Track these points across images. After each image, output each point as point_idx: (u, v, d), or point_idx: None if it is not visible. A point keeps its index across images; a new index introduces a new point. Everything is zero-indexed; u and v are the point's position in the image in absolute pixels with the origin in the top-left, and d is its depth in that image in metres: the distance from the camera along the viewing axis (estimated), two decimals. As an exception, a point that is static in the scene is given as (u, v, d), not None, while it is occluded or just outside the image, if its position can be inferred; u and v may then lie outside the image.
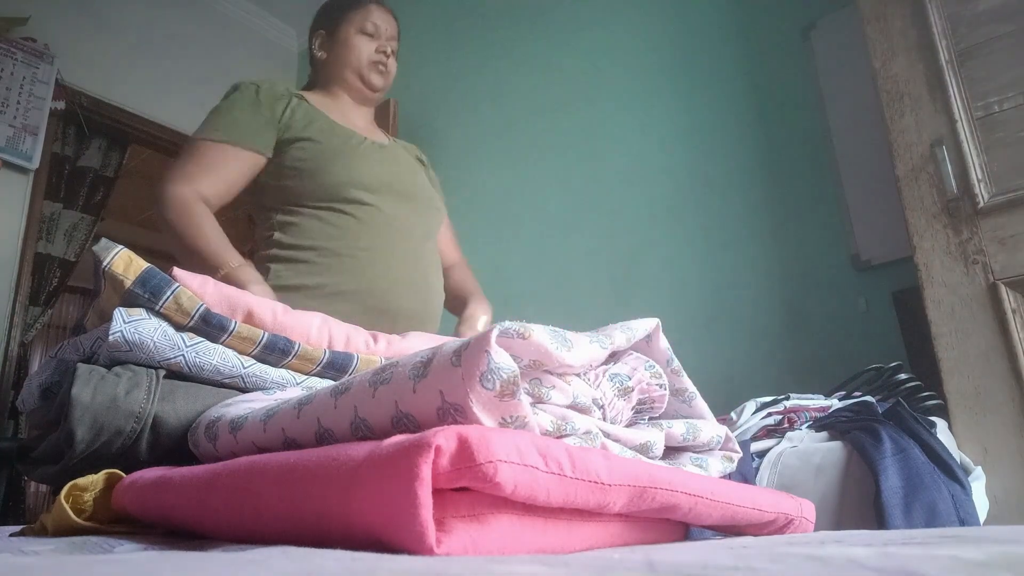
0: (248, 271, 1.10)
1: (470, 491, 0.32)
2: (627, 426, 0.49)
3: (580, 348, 0.41)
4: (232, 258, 1.10)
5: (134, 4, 3.08)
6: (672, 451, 0.53)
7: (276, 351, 0.63)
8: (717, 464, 0.53)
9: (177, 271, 0.62)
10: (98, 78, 2.87)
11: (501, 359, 0.35)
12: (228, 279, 1.03)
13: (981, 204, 1.32)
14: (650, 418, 0.51)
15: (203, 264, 1.08)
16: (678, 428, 0.51)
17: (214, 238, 1.14)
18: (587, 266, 2.37)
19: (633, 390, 0.46)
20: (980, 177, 1.33)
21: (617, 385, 0.46)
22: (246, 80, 1.31)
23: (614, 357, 0.48)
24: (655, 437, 0.48)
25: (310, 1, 3.51)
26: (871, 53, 1.50)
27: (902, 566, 0.21)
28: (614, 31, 2.49)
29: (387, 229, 1.28)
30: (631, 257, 2.28)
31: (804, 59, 2.02)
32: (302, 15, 3.65)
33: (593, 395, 0.45)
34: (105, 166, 3.15)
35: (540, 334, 0.38)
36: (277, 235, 1.25)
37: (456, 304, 1.44)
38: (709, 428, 0.53)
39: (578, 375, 0.44)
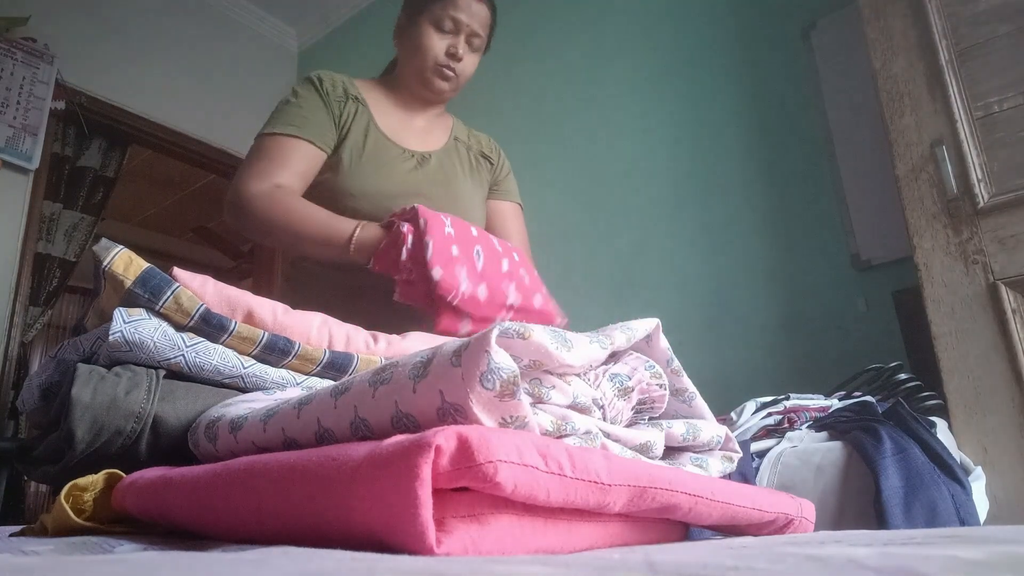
0: (374, 226, 1.04)
1: (470, 491, 0.32)
2: (627, 426, 0.49)
3: (580, 348, 0.41)
4: (348, 225, 1.05)
5: (134, 4, 3.08)
6: (672, 451, 0.53)
7: (276, 351, 0.63)
8: (717, 464, 0.53)
9: (177, 271, 0.62)
10: (98, 78, 2.87)
11: (501, 359, 0.35)
12: (362, 241, 1.01)
13: (981, 204, 1.32)
14: (650, 418, 0.51)
15: (323, 243, 1.05)
16: (678, 428, 0.51)
17: (319, 214, 1.08)
18: (587, 266, 2.37)
19: (633, 390, 0.46)
20: (980, 177, 1.33)
21: (617, 385, 0.46)
22: (312, 74, 1.26)
23: (614, 357, 0.48)
24: (655, 437, 0.48)
25: (310, 1, 3.52)
26: (871, 53, 1.50)
27: (902, 566, 0.21)
28: (614, 31, 2.49)
29: None
30: (631, 257, 2.28)
31: (804, 59, 2.02)
32: (302, 15, 3.66)
33: (593, 395, 0.45)
34: (105, 166, 3.16)
35: (540, 334, 0.38)
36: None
37: None
38: (709, 428, 0.53)
39: (578, 375, 0.44)
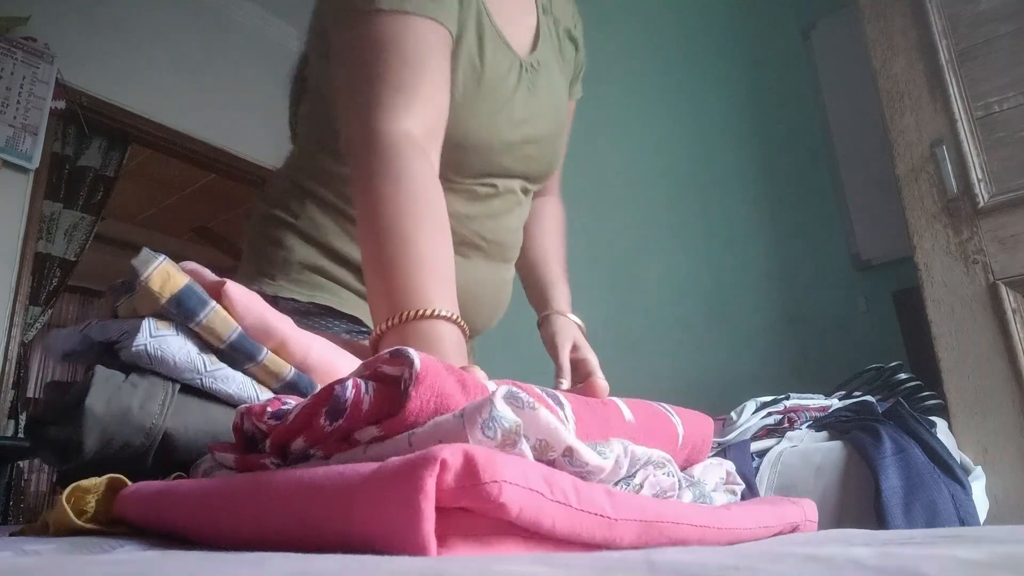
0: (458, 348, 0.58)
1: (474, 514, 0.32)
2: None
3: (591, 450, 0.40)
4: (439, 301, 0.58)
5: (134, 4, 3.08)
6: None
7: (297, 393, 0.62)
8: (721, 499, 0.53)
9: (230, 286, 0.58)
10: (98, 78, 2.87)
11: (503, 410, 0.34)
12: (406, 336, 0.57)
13: (981, 204, 1.32)
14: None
15: (384, 292, 0.61)
16: (687, 497, 0.50)
17: (428, 261, 0.61)
18: (587, 266, 2.37)
19: (642, 487, 0.45)
20: (980, 177, 1.33)
21: (624, 486, 0.45)
22: None
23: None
24: None
25: (310, 1, 3.51)
26: (871, 53, 1.50)
27: (902, 566, 0.21)
28: (614, 31, 2.49)
29: (494, 211, 0.87)
30: (631, 257, 2.28)
31: (804, 59, 2.02)
32: (302, 15, 3.65)
33: None
34: (105, 166, 3.16)
35: (548, 414, 0.37)
36: (333, 192, 0.82)
37: (531, 287, 1.01)
38: (712, 475, 0.53)
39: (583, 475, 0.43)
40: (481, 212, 0.86)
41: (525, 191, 0.92)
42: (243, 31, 3.50)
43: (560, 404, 0.44)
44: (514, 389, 0.36)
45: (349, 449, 0.40)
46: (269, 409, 0.44)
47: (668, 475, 0.46)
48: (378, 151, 0.65)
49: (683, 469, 0.54)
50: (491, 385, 0.41)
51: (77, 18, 2.87)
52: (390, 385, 0.39)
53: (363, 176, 0.66)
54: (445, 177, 0.73)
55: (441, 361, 0.39)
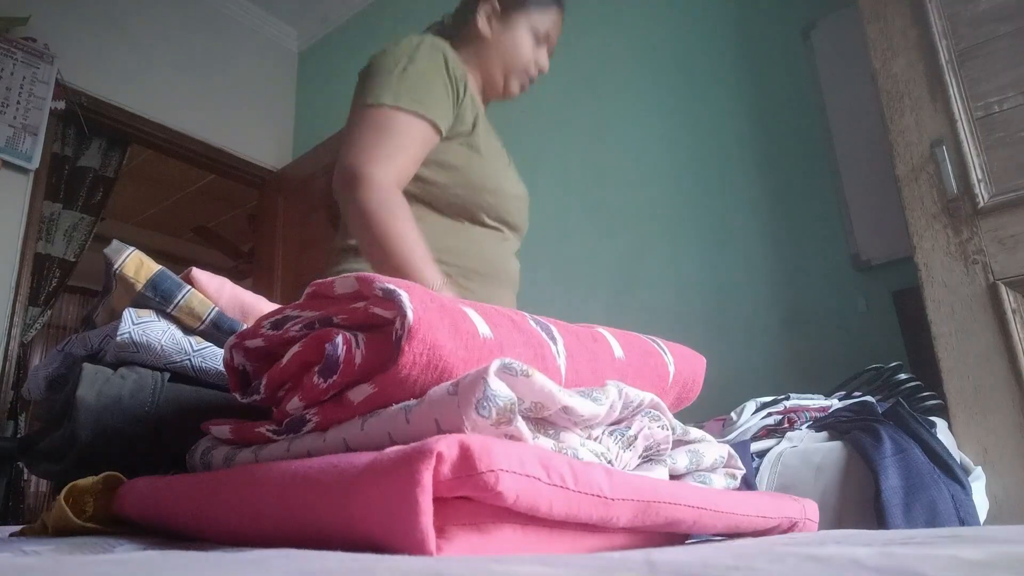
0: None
1: (472, 501, 0.32)
2: (632, 470, 0.48)
3: (583, 399, 0.40)
4: (433, 276, 0.92)
5: (134, 4, 3.08)
6: (675, 478, 0.52)
7: None
8: (720, 481, 0.53)
9: (196, 272, 0.62)
10: (98, 78, 2.87)
11: (498, 387, 0.35)
12: None
13: (981, 204, 1.32)
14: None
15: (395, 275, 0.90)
16: (681, 460, 0.50)
17: (417, 248, 0.94)
18: (587, 266, 2.37)
19: (636, 438, 0.45)
20: (980, 177, 1.33)
21: (619, 437, 0.45)
22: (428, 39, 1.10)
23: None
24: (659, 473, 0.48)
25: (310, 1, 3.52)
26: (871, 53, 1.50)
27: (902, 566, 0.21)
28: (614, 32, 2.49)
29: (501, 252, 1.17)
30: (631, 257, 2.28)
31: (804, 59, 2.02)
32: (302, 15, 3.66)
33: (596, 449, 0.44)
34: (105, 166, 3.16)
35: (543, 377, 0.37)
36: None
37: None
38: (711, 451, 0.52)
39: (577, 431, 0.43)
40: (502, 250, 1.16)
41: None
42: (243, 31, 3.50)
43: (553, 338, 0.46)
44: (508, 360, 0.36)
45: (345, 414, 0.40)
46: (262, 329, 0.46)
47: (663, 428, 0.47)
48: (362, 185, 0.96)
49: (674, 410, 0.54)
50: (477, 319, 0.41)
51: (77, 18, 2.87)
52: (380, 333, 0.40)
53: (351, 202, 0.96)
54: (480, 221, 1.11)
55: (435, 300, 0.39)
